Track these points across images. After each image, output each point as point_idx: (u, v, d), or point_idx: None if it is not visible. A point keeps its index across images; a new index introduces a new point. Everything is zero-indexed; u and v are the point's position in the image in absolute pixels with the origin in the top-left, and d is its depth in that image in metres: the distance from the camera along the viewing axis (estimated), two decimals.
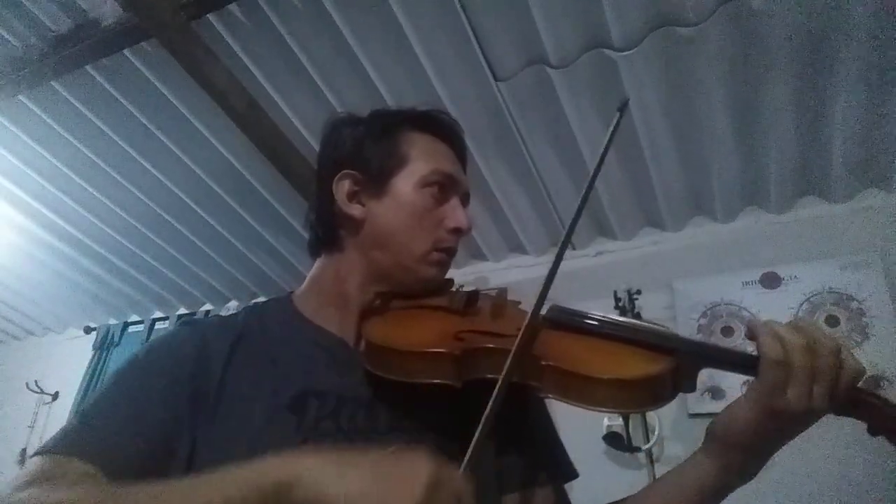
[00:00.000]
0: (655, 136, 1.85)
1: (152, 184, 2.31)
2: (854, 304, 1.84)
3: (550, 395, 0.61)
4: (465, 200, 0.81)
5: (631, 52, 1.60)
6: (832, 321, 1.85)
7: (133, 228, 2.55)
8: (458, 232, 0.77)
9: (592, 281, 2.20)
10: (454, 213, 0.76)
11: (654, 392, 0.59)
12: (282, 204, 2.36)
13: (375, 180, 0.76)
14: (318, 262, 0.81)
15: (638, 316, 2.08)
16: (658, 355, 0.61)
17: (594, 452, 1.97)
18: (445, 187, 0.77)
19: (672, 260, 2.17)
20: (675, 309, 2.08)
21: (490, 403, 0.56)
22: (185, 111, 2.02)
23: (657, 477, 1.88)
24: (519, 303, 0.76)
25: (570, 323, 0.68)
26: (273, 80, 1.89)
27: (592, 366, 0.59)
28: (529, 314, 0.63)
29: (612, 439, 1.94)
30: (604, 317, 0.68)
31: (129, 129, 2.10)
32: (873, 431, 0.58)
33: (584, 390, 0.59)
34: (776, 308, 1.93)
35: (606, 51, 1.63)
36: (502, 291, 0.77)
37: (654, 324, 0.68)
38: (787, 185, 1.98)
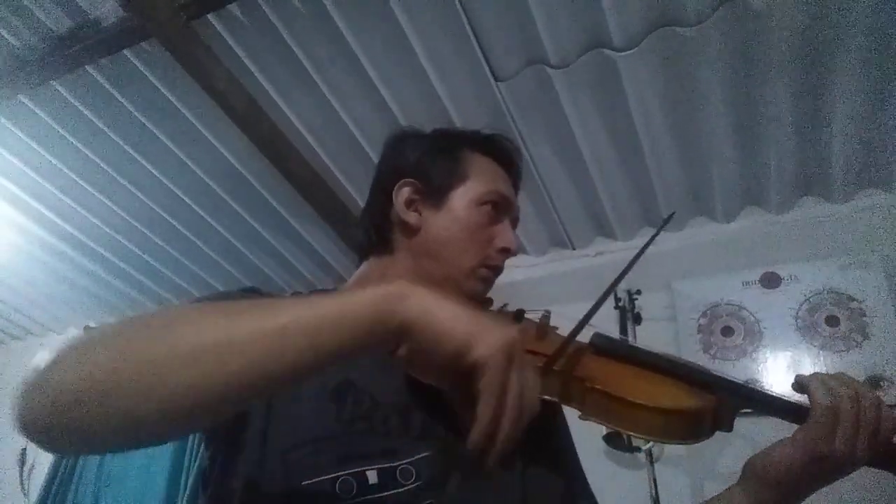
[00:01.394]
0: (655, 136, 1.85)
1: (152, 184, 2.31)
2: (854, 304, 1.84)
3: (592, 418, 0.62)
4: (515, 224, 0.85)
5: (631, 52, 1.60)
6: (832, 321, 1.85)
7: (133, 228, 2.55)
8: (506, 252, 0.80)
9: (592, 281, 2.18)
10: (505, 234, 0.80)
11: (694, 426, 0.61)
12: (282, 204, 2.36)
13: (435, 192, 0.80)
14: (365, 264, 0.84)
15: (638, 316, 2.08)
16: (701, 392, 0.63)
17: (594, 452, 1.97)
18: (499, 208, 0.81)
19: (672, 260, 2.17)
20: (675, 309, 2.08)
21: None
22: (185, 111, 2.02)
23: (656, 477, 1.90)
24: (557, 328, 0.79)
25: (614, 349, 0.70)
26: (273, 80, 1.89)
27: (637, 392, 0.61)
28: (578, 322, 0.66)
29: (612, 439, 1.94)
30: (648, 348, 0.70)
31: (129, 129, 2.10)
32: None
33: (627, 415, 0.60)
34: (776, 308, 1.94)
35: (606, 51, 1.63)
36: (546, 314, 0.80)
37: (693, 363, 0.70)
38: (787, 185, 1.97)
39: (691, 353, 1.99)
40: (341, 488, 0.59)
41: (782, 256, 1.99)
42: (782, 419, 0.62)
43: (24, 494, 2.90)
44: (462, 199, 0.79)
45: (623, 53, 1.61)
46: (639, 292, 2.10)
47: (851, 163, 1.86)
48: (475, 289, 0.79)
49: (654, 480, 1.88)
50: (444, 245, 0.78)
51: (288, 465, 0.60)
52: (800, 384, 0.62)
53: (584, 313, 0.69)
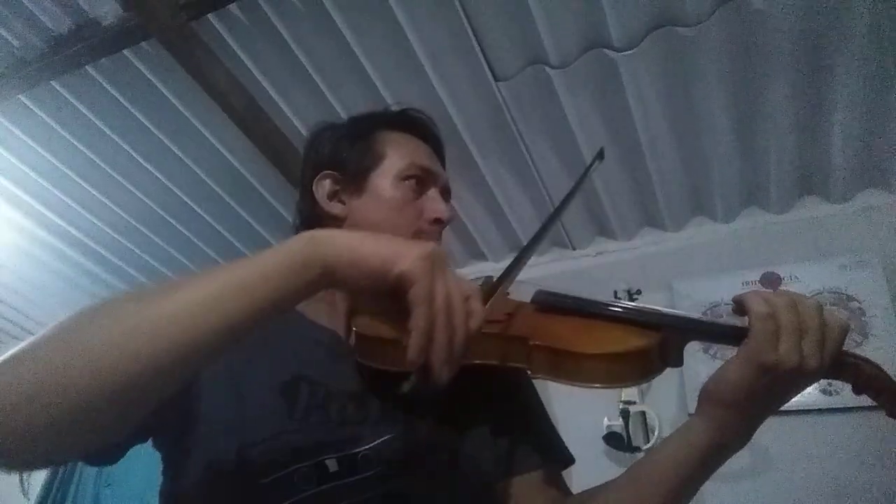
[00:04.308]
0: (655, 136, 1.85)
1: (152, 184, 2.31)
2: (854, 304, 1.84)
3: (540, 375, 0.62)
4: (444, 193, 0.82)
5: (631, 52, 1.60)
6: None
7: (133, 228, 2.55)
8: (438, 222, 0.78)
9: (592, 281, 2.20)
10: (433, 204, 0.78)
11: (641, 366, 0.61)
12: (282, 204, 2.36)
13: (353, 178, 0.78)
14: None
15: None
16: (644, 331, 0.63)
17: (594, 452, 1.97)
18: (423, 180, 0.79)
19: (672, 260, 2.17)
20: (675, 309, 2.07)
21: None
22: (185, 111, 2.02)
23: None
24: (507, 293, 0.77)
25: (556, 304, 0.69)
26: (273, 80, 1.89)
27: (579, 343, 0.61)
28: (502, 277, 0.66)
29: (612, 439, 1.94)
30: (590, 298, 0.69)
31: (129, 129, 2.10)
32: (857, 390, 0.59)
33: (573, 367, 0.60)
34: None
35: (606, 51, 1.63)
36: (489, 279, 0.78)
37: (647, 306, 0.69)
38: (787, 185, 1.98)
39: (691, 352, 1.99)
40: (301, 479, 0.59)
41: (782, 256, 1.99)
42: (729, 344, 0.61)
43: (24, 494, 2.90)
44: (382, 178, 0.77)
45: (623, 53, 1.61)
46: (639, 292, 2.11)
47: (851, 163, 1.86)
48: None
49: None
50: (373, 229, 0.74)
51: (244, 465, 0.60)
52: (735, 301, 0.60)
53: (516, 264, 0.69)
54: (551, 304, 0.69)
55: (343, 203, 0.79)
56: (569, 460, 0.79)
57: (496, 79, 1.77)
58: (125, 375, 0.43)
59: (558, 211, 0.84)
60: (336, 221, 0.78)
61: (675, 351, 0.63)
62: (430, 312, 0.50)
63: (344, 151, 0.80)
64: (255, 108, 1.94)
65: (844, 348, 0.58)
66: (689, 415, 1.90)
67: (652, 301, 2.10)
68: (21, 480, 2.97)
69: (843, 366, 0.58)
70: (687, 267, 2.13)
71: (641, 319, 0.64)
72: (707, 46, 1.57)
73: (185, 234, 2.56)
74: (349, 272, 0.52)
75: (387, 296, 0.52)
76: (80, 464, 2.76)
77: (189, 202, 2.39)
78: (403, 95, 1.83)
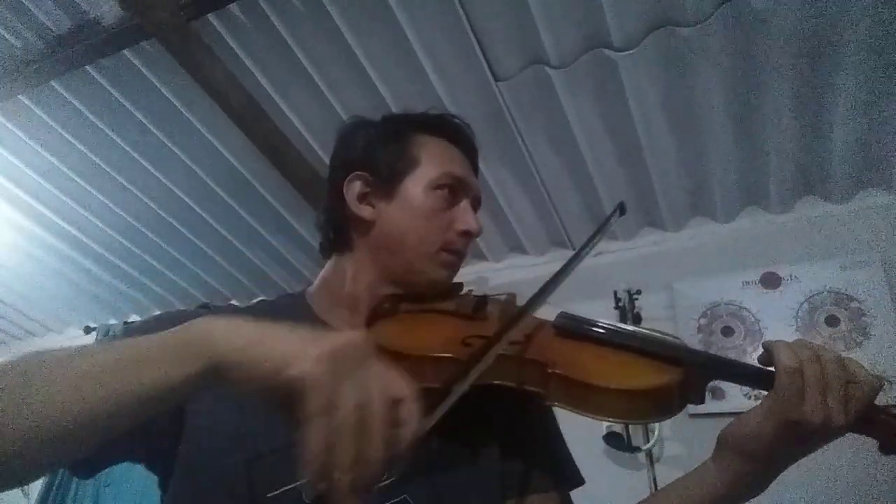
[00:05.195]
0: (655, 136, 1.85)
1: (152, 184, 2.31)
2: (854, 304, 1.84)
3: (556, 403, 0.61)
4: (475, 204, 0.81)
5: (631, 52, 1.60)
6: (832, 321, 1.85)
7: (133, 228, 2.55)
8: (467, 235, 0.77)
9: (592, 281, 2.19)
10: (464, 216, 0.77)
11: (660, 404, 0.59)
12: (281, 203, 2.36)
13: (386, 182, 0.76)
14: (328, 263, 0.81)
15: (638, 316, 2.08)
16: (667, 366, 0.61)
17: (594, 452, 1.97)
18: (455, 190, 0.77)
19: (672, 260, 2.17)
20: (675, 309, 2.08)
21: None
22: (185, 111, 2.02)
23: (657, 477, 1.89)
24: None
25: (578, 331, 0.68)
26: (273, 80, 1.89)
27: (599, 375, 0.59)
28: (521, 308, 0.63)
29: (612, 439, 1.94)
30: (612, 325, 0.67)
31: (130, 129, 2.10)
32: (886, 450, 0.57)
33: (590, 400, 0.58)
34: (776, 308, 1.93)
35: (606, 51, 1.63)
36: (511, 297, 0.77)
37: (665, 334, 0.67)
38: (787, 185, 1.97)
39: None
40: (308, 493, 0.58)
41: (782, 256, 1.99)
42: (752, 387, 0.60)
43: (25, 494, 2.89)
44: (415, 185, 0.76)
45: (623, 53, 1.61)
46: (639, 292, 2.10)
47: (851, 163, 1.86)
48: (439, 276, 0.76)
49: (654, 480, 1.88)
50: (401, 236, 0.74)
51: (251, 478, 0.59)
52: (765, 348, 0.59)
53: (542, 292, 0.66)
54: (573, 330, 0.68)
55: (372, 206, 0.77)
56: (578, 482, 0.78)
57: (496, 79, 1.77)
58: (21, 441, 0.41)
59: (578, 256, 0.79)
60: (364, 224, 0.77)
61: (696, 389, 0.61)
62: (327, 429, 0.40)
63: (377, 152, 0.78)
64: (255, 107, 1.94)
65: (880, 405, 0.56)
66: (689, 415, 1.90)
67: (652, 301, 2.10)
68: None
69: (872, 422, 0.57)
70: (687, 267, 2.13)
71: (665, 354, 0.62)
72: (707, 46, 1.56)
73: (185, 234, 2.56)
74: (236, 374, 0.43)
75: (281, 400, 0.42)
76: None
77: (188, 202, 2.39)
78: (403, 95, 1.83)
